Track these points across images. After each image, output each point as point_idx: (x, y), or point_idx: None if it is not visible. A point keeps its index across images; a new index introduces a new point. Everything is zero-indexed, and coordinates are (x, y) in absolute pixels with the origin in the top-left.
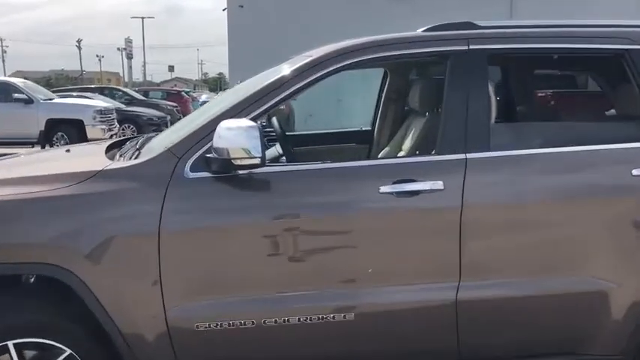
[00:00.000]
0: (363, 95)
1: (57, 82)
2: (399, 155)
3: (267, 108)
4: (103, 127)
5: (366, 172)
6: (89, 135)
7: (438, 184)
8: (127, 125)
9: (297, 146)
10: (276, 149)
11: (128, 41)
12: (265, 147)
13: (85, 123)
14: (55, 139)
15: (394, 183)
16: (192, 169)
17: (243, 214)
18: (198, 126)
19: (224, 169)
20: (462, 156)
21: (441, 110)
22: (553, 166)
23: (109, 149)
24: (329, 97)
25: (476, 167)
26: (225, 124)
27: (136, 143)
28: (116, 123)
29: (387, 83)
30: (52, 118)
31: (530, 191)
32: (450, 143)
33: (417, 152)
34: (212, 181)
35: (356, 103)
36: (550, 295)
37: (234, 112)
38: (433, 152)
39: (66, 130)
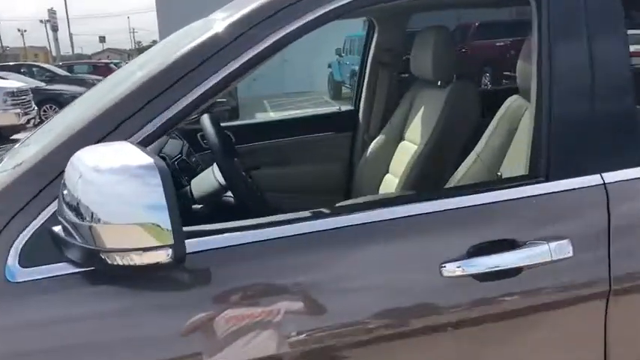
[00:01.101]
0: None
1: None
2: (400, 149)
3: (179, 114)
4: (17, 111)
5: (410, 228)
6: (0, 122)
7: (562, 247)
8: (48, 106)
9: (251, 142)
10: (213, 173)
11: (52, 12)
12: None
13: None
14: None
15: (470, 253)
16: (24, 260)
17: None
18: (32, 162)
19: (93, 262)
20: (595, 179)
21: (535, 86)
22: None
23: None
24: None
25: (627, 202)
26: (86, 158)
27: None
28: (33, 105)
29: (373, 40)
30: None
31: None
32: (566, 153)
33: (436, 147)
34: (70, 284)
35: (304, 62)
36: None
37: (105, 126)
38: (528, 173)
39: None
